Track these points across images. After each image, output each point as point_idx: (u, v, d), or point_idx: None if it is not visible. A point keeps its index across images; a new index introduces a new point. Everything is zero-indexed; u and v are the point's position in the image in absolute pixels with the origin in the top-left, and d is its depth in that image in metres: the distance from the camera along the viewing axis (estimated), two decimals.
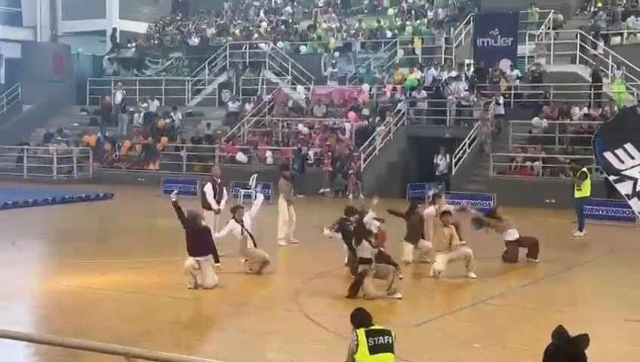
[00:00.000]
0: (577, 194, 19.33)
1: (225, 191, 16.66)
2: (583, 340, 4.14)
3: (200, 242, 13.17)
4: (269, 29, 38.05)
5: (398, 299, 12.38)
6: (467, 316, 11.98)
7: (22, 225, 21.00)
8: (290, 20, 38.17)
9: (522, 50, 30.47)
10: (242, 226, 14.32)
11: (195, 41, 39.00)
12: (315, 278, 14.10)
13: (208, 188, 16.38)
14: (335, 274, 14.25)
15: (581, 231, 19.22)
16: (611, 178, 7.39)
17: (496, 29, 29.94)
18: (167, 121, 33.73)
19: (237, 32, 38.56)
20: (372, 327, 7.26)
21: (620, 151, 7.22)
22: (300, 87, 33.18)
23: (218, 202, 16.29)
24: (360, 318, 7.39)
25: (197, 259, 13.05)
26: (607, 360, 9.14)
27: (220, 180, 16.66)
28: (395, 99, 30.14)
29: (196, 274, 13.10)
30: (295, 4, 40.29)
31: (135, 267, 15.00)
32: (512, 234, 15.80)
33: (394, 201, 25.60)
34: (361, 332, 7.16)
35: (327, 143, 28.87)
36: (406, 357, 8.56)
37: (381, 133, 28.63)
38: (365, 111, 30.23)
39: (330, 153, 28.26)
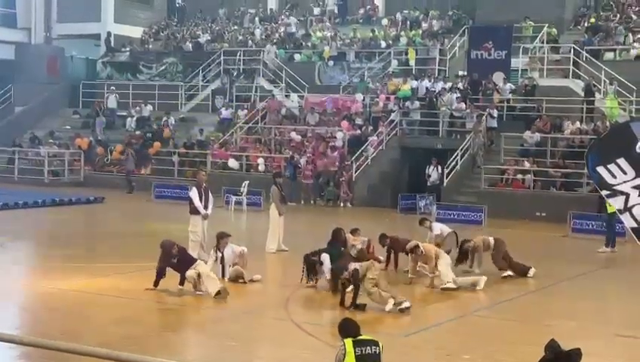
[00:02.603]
0: (610, 210, 19.23)
1: (211, 195, 16.51)
2: (577, 354, 4.13)
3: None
4: (263, 37, 38.08)
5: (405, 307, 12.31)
6: (456, 328, 11.96)
7: (11, 227, 20.90)
8: (294, 30, 38.11)
9: (516, 64, 30.57)
10: (221, 256, 14.29)
11: (189, 46, 39.00)
12: (304, 286, 14.05)
13: (194, 193, 16.19)
14: (325, 283, 14.19)
15: (614, 246, 19.05)
16: (604, 193, 7.37)
17: (490, 42, 30.03)
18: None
19: (232, 38, 38.59)
20: (359, 337, 7.25)
21: (612, 166, 7.20)
22: (293, 95, 33.21)
23: (205, 207, 16.17)
24: (347, 328, 7.37)
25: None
26: None
27: (205, 185, 16.50)
28: (388, 109, 30.17)
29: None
30: (293, 12, 40.35)
31: (124, 271, 14.94)
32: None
33: (385, 211, 25.68)
34: (349, 341, 7.15)
35: (309, 155, 28.75)
36: None
37: (373, 143, 28.65)
38: (358, 121, 30.25)
39: (311, 166, 28.12)
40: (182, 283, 13.35)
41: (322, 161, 28.17)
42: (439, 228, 17.06)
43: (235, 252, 14.48)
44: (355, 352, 7.06)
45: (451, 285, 14.02)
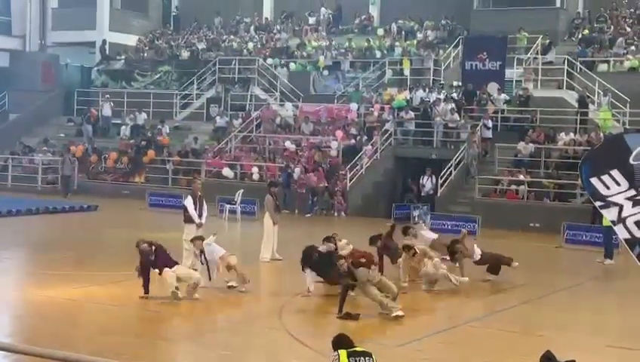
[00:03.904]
0: (605, 223, 19.19)
1: (205, 205, 16.50)
2: None
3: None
4: (259, 46, 38.13)
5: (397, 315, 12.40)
6: (449, 338, 11.95)
7: (4, 235, 20.85)
8: (284, 44, 38.10)
9: (510, 74, 30.65)
10: (202, 256, 14.24)
11: (184, 55, 39.02)
12: (298, 295, 14.04)
13: (189, 202, 16.18)
14: (319, 292, 14.19)
15: (611, 258, 18.93)
16: (597, 204, 7.39)
17: (484, 53, 30.11)
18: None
19: (227, 47, 38.62)
20: (353, 349, 7.24)
21: (606, 178, 7.22)
22: (288, 104, 33.23)
23: (200, 216, 16.12)
24: (340, 343, 7.35)
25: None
26: None
27: (200, 194, 16.46)
28: (382, 119, 30.21)
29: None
30: (288, 22, 40.39)
31: (117, 279, 14.90)
32: (478, 254, 15.98)
33: (379, 221, 25.66)
34: (343, 352, 7.14)
35: (304, 164, 28.74)
36: None
37: (368, 153, 28.67)
38: (353, 130, 30.27)
39: (304, 176, 28.10)
40: (160, 272, 13.38)
41: (314, 177, 27.92)
42: (430, 235, 17.14)
43: (220, 255, 14.38)
44: None
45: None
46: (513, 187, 25.92)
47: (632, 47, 30.89)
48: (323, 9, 39.58)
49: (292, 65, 35.93)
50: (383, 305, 12.50)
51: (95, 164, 33.26)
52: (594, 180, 7.28)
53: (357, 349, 7.26)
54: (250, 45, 38.29)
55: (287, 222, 21.29)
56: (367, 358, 7.18)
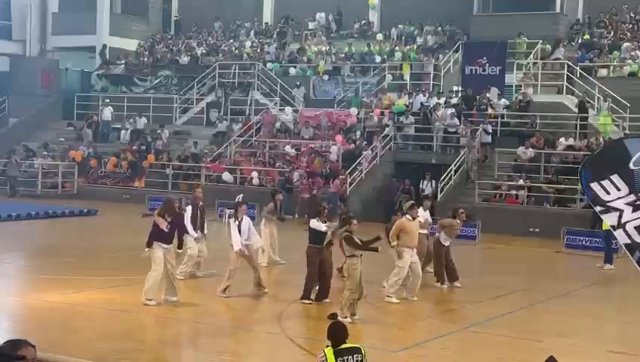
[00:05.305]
0: (605, 227, 19.16)
1: (205, 218, 16.09)
2: None
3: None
4: (258, 50, 38.15)
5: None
6: (449, 343, 11.93)
7: (4, 239, 20.84)
8: (272, 58, 38.04)
9: (510, 79, 30.67)
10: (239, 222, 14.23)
11: (184, 59, 39.05)
12: (298, 300, 14.02)
13: (187, 213, 15.66)
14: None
15: (611, 263, 18.88)
16: (597, 209, 7.37)
17: (484, 58, 30.15)
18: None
19: (226, 51, 38.65)
20: (342, 346, 7.09)
21: (606, 183, 7.21)
22: (288, 109, 33.24)
23: (201, 228, 15.79)
24: (333, 333, 7.17)
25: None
26: None
27: (201, 203, 16.05)
28: (382, 124, 30.21)
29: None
30: (288, 27, 40.42)
31: (116, 284, 14.89)
32: None
33: (378, 226, 25.63)
34: (330, 351, 7.00)
35: (306, 168, 28.73)
36: None
37: (368, 157, 28.66)
38: (352, 135, 30.26)
39: (308, 180, 28.09)
40: (180, 246, 13.81)
41: (335, 182, 27.85)
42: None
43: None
44: None
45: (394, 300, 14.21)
46: (513, 192, 25.94)
47: (633, 53, 30.85)
48: (318, 14, 39.54)
49: (292, 70, 35.96)
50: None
51: (95, 169, 33.26)
52: (594, 185, 7.27)
53: (345, 346, 7.09)
54: (250, 50, 38.32)
55: (289, 227, 21.27)
56: (355, 355, 7.02)
